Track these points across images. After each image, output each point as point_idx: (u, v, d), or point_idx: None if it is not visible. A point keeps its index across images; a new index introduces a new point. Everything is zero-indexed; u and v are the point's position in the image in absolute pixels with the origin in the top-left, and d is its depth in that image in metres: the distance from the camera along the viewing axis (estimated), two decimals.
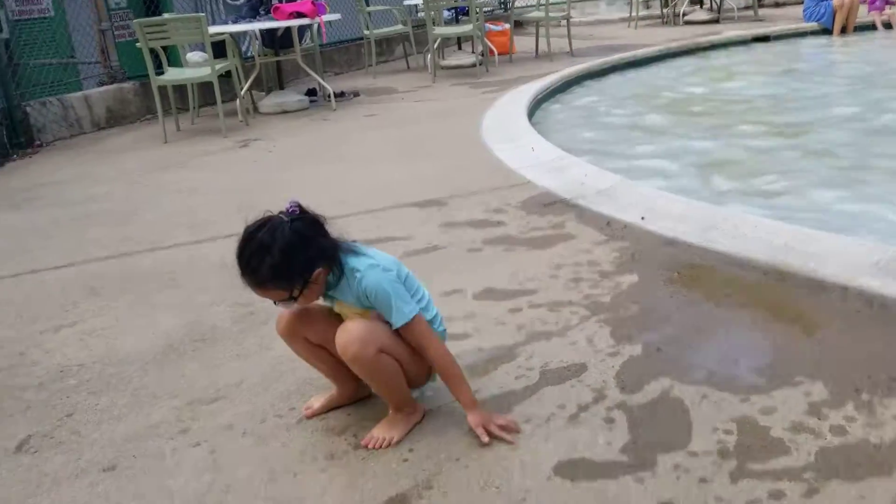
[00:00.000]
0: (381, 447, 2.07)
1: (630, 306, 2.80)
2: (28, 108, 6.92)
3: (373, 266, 2.04)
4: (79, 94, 7.47)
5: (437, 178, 4.79)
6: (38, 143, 6.95)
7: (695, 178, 4.76)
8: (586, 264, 3.21)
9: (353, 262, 2.05)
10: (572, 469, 1.92)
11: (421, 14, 11.28)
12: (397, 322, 2.02)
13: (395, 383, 2.11)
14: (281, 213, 2.00)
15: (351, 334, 2.00)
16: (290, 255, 1.94)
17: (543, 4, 9.89)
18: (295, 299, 2.02)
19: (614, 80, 8.67)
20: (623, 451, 1.97)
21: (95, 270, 3.69)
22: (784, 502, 1.73)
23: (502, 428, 2.07)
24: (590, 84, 8.40)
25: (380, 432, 2.11)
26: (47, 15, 7.43)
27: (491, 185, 4.48)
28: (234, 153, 6.08)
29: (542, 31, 10.14)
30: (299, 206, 2.03)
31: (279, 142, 6.30)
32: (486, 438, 2.04)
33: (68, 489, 2.03)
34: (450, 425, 2.15)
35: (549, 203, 4.04)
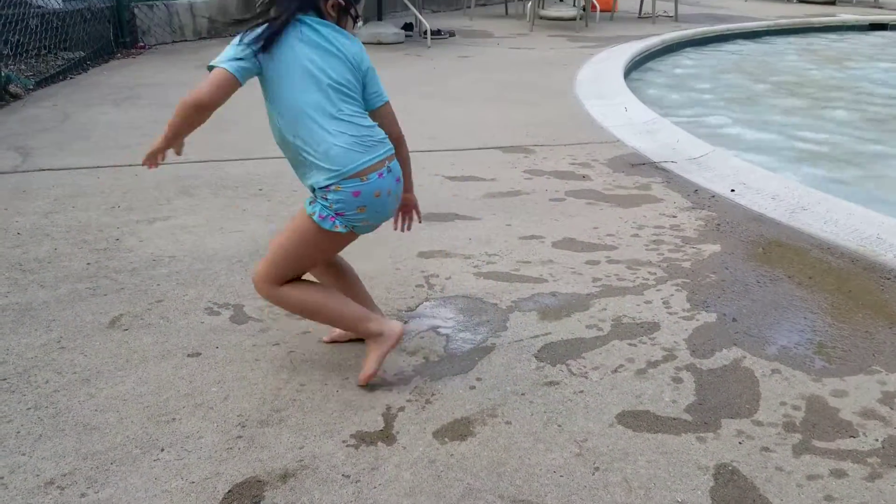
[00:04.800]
0: (363, 383, 2.07)
1: (709, 275, 2.79)
2: (136, 10, 7.11)
3: None
4: (185, 1, 7.62)
5: (526, 125, 4.77)
6: (142, 45, 7.15)
7: (788, 157, 4.64)
8: (669, 228, 3.19)
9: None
10: (635, 419, 1.95)
11: None
12: (385, 96, 2.07)
13: (326, 314, 2.10)
14: None
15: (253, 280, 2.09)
16: None
17: None
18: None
19: (717, 50, 8.42)
20: (688, 411, 1.99)
21: (189, 172, 3.83)
22: (845, 482, 1.74)
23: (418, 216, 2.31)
24: (691, 51, 8.18)
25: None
26: None
27: (579, 139, 4.45)
28: None
29: None
30: None
31: None
32: (397, 225, 2.29)
33: (154, 367, 2.16)
34: (518, 361, 2.20)
35: (637, 164, 4.00)
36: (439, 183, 3.70)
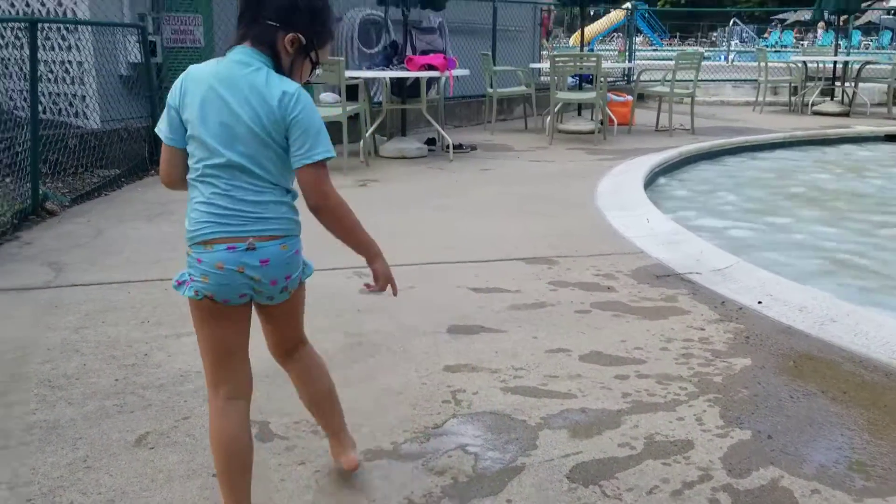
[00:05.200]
0: None
1: (741, 390, 2.74)
2: None
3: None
4: None
5: (548, 236, 4.82)
6: None
7: (812, 267, 4.62)
8: (698, 341, 3.16)
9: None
10: None
11: (544, 77, 11.49)
12: (323, 152, 1.73)
13: (217, 471, 1.90)
14: None
15: None
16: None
17: (669, 81, 9.90)
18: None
19: (734, 161, 8.56)
20: None
21: None
22: None
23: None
24: (709, 163, 8.32)
25: None
26: (198, 45, 7.95)
27: (602, 250, 4.48)
28: (353, 191, 6.29)
29: (664, 106, 10.14)
30: None
31: (396, 185, 6.50)
32: (376, 291, 1.92)
33: (180, 488, 2.13)
34: (549, 482, 2.15)
35: (662, 275, 4.01)
36: (463, 294, 3.72)
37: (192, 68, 1.79)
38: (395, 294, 1.96)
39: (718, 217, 5.97)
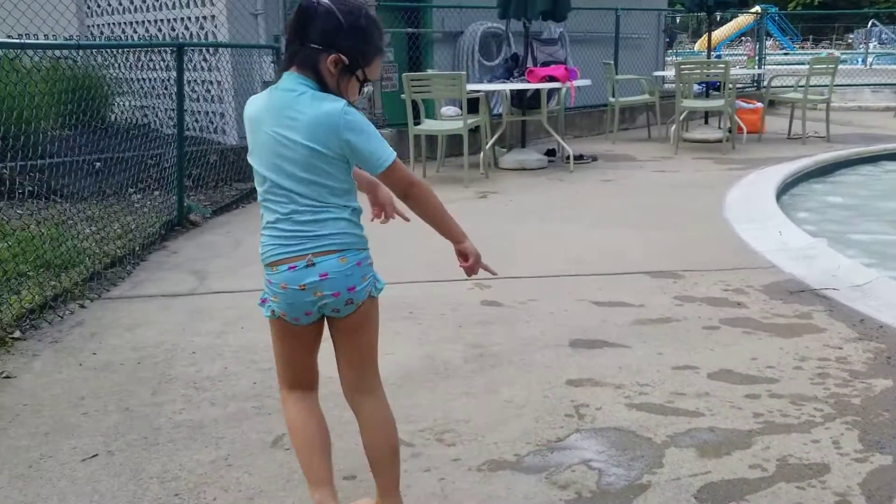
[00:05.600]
0: None
1: (882, 413, 2.60)
2: None
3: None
4: None
5: (673, 249, 4.72)
6: None
7: None
8: (834, 361, 3.02)
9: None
10: None
11: (668, 85, 11.23)
12: (389, 156, 1.80)
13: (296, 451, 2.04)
14: None
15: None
16: None
17: (802, 86, 9.46)
18: None
19: (874, 171, 8.09)
20: None
21: None
22: None
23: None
24: (846, 172, 7.90)
25: None
26: None
27: (731, 264, 4.35)
28: (473, 203, 6.37)
29: (797, 112, 9.70)
30: None
31: (516, 196, 6.53)
32: (468, 274, 2.02)
33: None
34: (677, 502, 2.12)
35: (796, 291, 3.85)
36: (585, 308, 3.71)
37: (250, 101, 1.88)
38: (493, 273, 2.06)
39: (858, 230, 5.66)
